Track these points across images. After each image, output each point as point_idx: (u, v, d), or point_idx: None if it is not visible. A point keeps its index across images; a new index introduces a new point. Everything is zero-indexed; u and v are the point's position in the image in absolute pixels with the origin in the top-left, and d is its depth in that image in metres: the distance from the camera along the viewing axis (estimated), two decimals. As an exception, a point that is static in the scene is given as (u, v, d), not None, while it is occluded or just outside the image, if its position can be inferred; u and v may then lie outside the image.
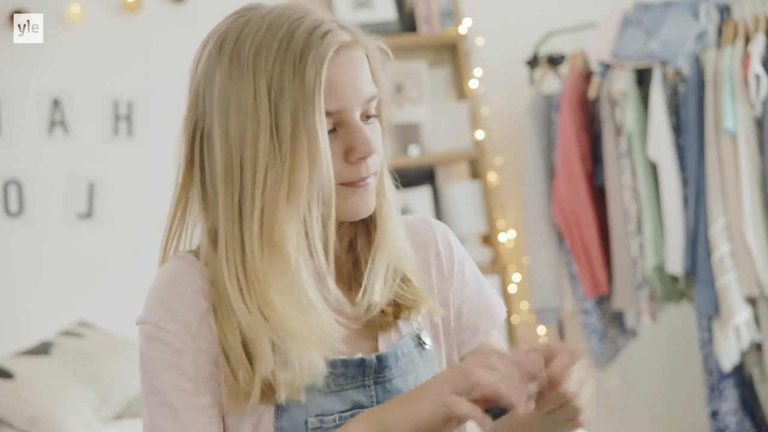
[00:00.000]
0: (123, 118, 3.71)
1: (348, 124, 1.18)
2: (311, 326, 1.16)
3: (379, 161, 1.22)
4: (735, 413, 3.40)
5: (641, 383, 4.15)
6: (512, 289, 3.94)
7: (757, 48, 3.22)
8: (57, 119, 3.64)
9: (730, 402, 3.40)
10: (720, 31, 3.41)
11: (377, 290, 1.24)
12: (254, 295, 1.16)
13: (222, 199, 1.18)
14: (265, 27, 1.17)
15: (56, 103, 3.64)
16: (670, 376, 4.18)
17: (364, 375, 1.22)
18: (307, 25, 1.17)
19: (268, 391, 1.16)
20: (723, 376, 3.39)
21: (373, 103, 1.21)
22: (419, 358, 1.27)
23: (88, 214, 3.67)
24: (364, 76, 1.20)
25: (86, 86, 3.67)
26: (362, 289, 1.24)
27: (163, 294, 1.19)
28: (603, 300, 3.73)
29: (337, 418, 1.19)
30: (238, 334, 1.16)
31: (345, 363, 1.21)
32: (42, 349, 3.18)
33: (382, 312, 1.25)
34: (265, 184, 1.15)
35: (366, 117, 1.21)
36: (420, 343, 1.28)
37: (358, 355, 1.22)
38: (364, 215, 1.22)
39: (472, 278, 1.34)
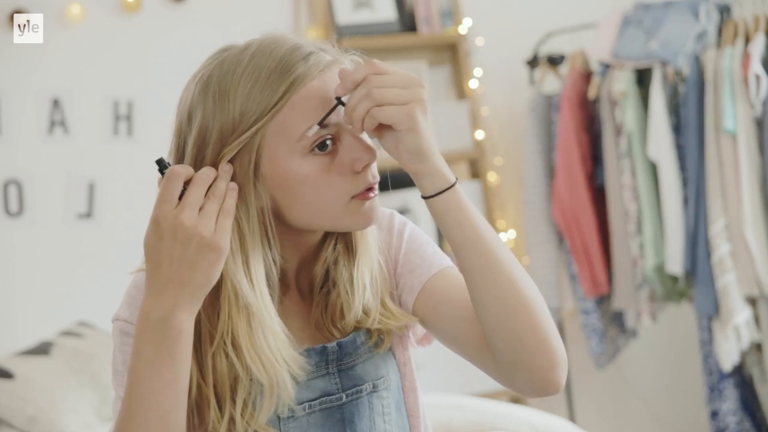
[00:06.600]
0: (123, 118, 3.71)
1: (348, 136, 1.22)
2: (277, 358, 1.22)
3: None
4: (735, 413, 3.40)
5: (641, 383, 4.14)
6: (512, 289, 3.93)
7: (757, 48, 3.22)
8: (57, 119, 3.64)
9: (730, 402, 3.40)
10: (720, 31, 3.41)
11: (358, 301, 1.28)
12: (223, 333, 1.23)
13: None
14: (247, 60, 1.20)
15: (56, 103, 3.64)
16: (670, 376, 4.18)
17: (327, 363, 1.29)
18: (288, 50, 1.20)
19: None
20: (723, 376, 3.39)
21: None
22: (377, 347, 1.33)
23: (88, 214, 3.67)
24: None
25: (86, 86, 3.67)
26: (349, 305, 1.29)
27: (134, 293, 1.27)
28: (603, 300, 3.73)
29: (306, 407, 1.27)
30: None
31: (308, 352, 1.27)
32: (42, 349, 3.18)
33: (368, 332, 1.31)
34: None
35: None
36: (378, 335, 1.33)
37: (320, 344, 1.29)
38: (374, 223, 1.26)
39: (416, 255, 1.36)
